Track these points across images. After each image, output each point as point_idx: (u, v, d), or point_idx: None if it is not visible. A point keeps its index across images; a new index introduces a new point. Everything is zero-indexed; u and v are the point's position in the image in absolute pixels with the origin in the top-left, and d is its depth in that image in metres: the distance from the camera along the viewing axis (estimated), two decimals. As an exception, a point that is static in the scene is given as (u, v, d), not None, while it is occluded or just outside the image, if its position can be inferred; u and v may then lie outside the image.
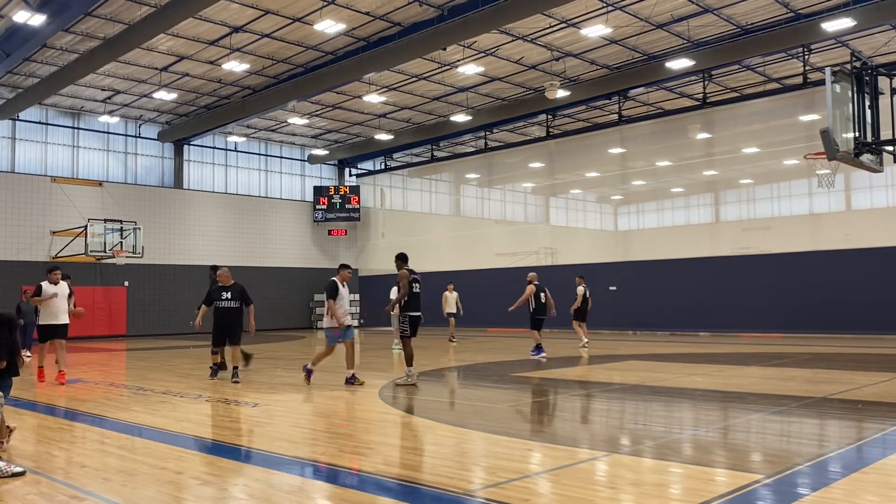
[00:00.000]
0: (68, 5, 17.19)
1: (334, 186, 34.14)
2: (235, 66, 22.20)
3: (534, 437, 7.01)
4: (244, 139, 31.38)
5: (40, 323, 11.56)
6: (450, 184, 35.15)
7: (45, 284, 11.40)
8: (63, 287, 11.49)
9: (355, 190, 34.02)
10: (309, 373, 10.79)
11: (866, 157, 9.94)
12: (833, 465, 5.55)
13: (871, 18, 17.72)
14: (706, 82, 23.52)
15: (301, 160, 34.19)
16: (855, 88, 9.64)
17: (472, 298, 28.97)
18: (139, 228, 25.95)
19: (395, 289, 14.96)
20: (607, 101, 26.45)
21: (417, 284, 10.89)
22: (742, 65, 22.54)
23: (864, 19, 17.63)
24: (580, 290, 16.67)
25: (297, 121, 28.80)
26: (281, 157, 33.55)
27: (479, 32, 18.74)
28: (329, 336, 10.75)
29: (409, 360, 10.66)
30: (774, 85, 23.87)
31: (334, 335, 10.69)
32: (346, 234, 34.43)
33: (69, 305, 11.56)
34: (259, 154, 32.71)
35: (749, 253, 22.99)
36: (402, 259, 10.99)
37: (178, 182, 29.89)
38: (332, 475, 5.51)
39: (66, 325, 11.53)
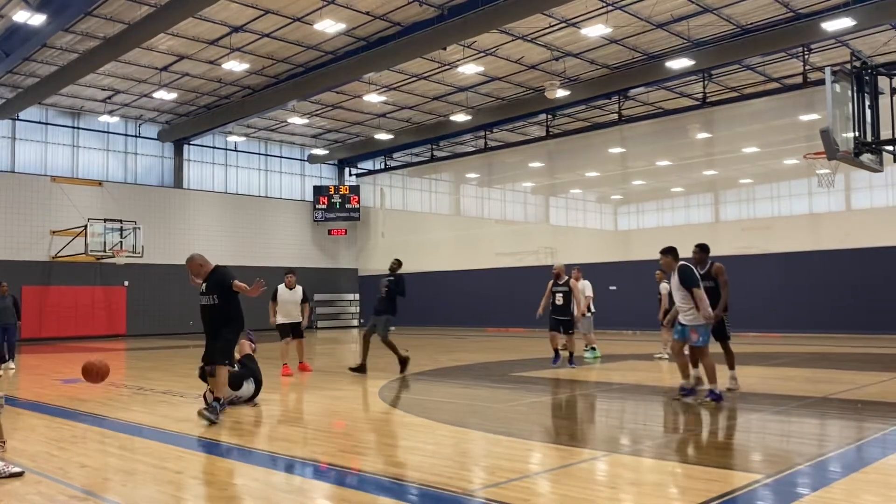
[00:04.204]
0: (68, 5, 17.18)
1: (334, 186, 34.14)
2: (235, 66, 22.19)
3: (534, 437, 7.01)
4: (244, 139, 31.37)
5: (278, 322, 12.30)
6: (450, 183, 35.13)
7: (280, 288, 12.25)
8: (297, 291, 12.22)
9: (355, 190, 34.02)
10: (717, 396, 8.24)
11: (866, 157, 9.94)
12: (833, 464, 5.55)
13: (871, 18, 17.71)
14: (706, 82, 23.51)
15: (301, 160, 34.19)
16: (855, 88, 9.63)
17: (472, 298, 29.03)
18: (139, 228, 25.96)
19: (582, 284, 13.40)
20: (607, 101, 26.44)
21: None
22: (742, 64, 22.53)
23: (864, 19, 17.62)
24: (663, 287, 13.05)
25: (296, 120, 28.79)
26: (281, 157, 33.55)
27: (479, 32, 18.74)
28: (703, 334, 8.36)
29: (731, 363, 9.32)
30: (774, 85, 23.86)
31: (706, 331, 8.41)
32: (345, 233, 34.44)
33: None
34: (259, 154, 32.71)
35: (749, 252, 22.96)
36: (705, 250, 9.22)
37: (177, 182, 29.89)
38: (331, 475, 5.51)
39: (290, 323, 12.22)
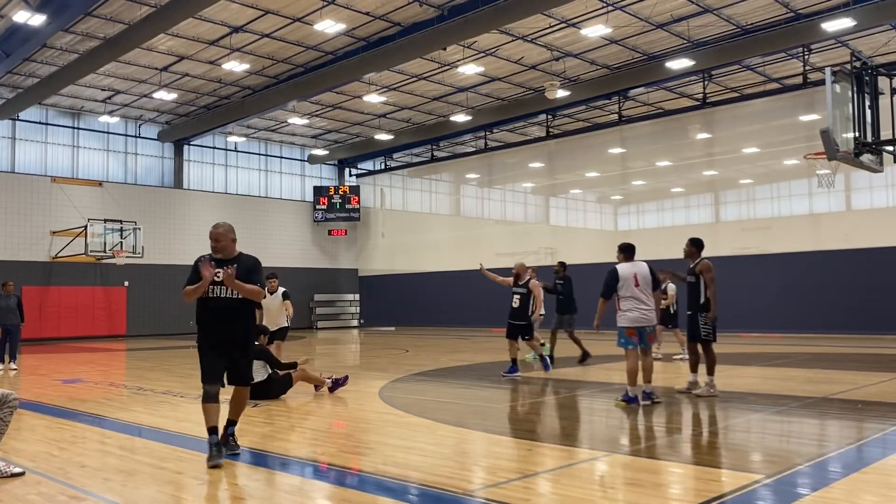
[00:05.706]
0: (68, 5, 17.18)
1: (334, 186, 34.14)
2: (235, 66, 22.19)
3: (534, 437, 7.01)
4: (244, 139, 31.37)
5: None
6: (450, 184, 35.14)
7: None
8: (277, 295, 11.80)
9: (355, 190, 34.03)
10: (631, 399, 8.19)
11: (866, 157, 9.93)
12: (833, 465, 5.55)
13: (871, 18, 17.71)
14: (706, 82, 23.51)
15: (301, 160, 34.19)
16: (855, 88, 9.62)
17: (472, 298, 29.01)
18: (139, 228, 25.95)
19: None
20: (607, 101, 26.45)
21: None
22: (742, 65, 22.54)
23: (864, 19, 17.62)
24: (670, 287, 13.26)
25: (296, 121, 28.80)
26: (281, 157, 33.55)
27: (479, 32, 18.74)
28: (621, 336, 8.27)
29: (711, 368, 8.84)
30: (774, 85, 23.86)
31: (629, 336, 8.23)
32: (346, 234, 34.44)
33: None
34: (259, 154, 32.71)
35: (749, 253, 22.97)
36: (694, 244, 9.11)
37: (177, 182, 29.89)
38: (332, 475, 5.51)
39: (277, 329, 11.75)
